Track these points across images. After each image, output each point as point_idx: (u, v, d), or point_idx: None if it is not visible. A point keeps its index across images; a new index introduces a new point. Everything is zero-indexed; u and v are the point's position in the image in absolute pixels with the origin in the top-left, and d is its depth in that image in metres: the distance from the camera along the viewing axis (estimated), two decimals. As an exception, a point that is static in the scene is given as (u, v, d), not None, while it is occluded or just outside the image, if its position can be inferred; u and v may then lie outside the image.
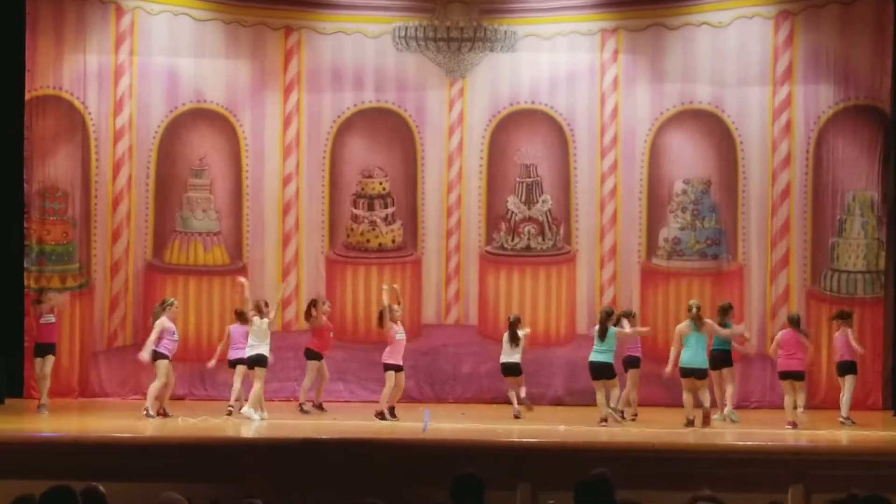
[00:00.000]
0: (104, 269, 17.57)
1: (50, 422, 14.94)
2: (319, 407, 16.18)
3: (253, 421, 14.83)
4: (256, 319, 15.39)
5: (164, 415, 15.17)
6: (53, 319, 16.14)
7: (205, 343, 17.23)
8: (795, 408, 14.96)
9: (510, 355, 15.97)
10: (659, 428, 14.64)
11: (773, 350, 15.44)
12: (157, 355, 15.22)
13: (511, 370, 15.98)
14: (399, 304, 15.78)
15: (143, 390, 17.07)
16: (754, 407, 17.03)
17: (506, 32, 17.85)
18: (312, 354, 16.15)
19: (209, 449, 12.75)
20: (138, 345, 17.17)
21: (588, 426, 14.92)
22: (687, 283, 17.53)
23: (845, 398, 15.42)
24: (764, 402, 16.80)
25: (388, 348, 15.58)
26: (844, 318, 15.72)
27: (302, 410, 15.87)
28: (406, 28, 17.87)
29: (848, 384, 15.49)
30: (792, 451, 12.97)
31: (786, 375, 15.10)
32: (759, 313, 17.43)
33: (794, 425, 14.67)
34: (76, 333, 17.17)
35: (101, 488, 6.79)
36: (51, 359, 16.01)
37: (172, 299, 15.80)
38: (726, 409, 15.62)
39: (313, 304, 16.35)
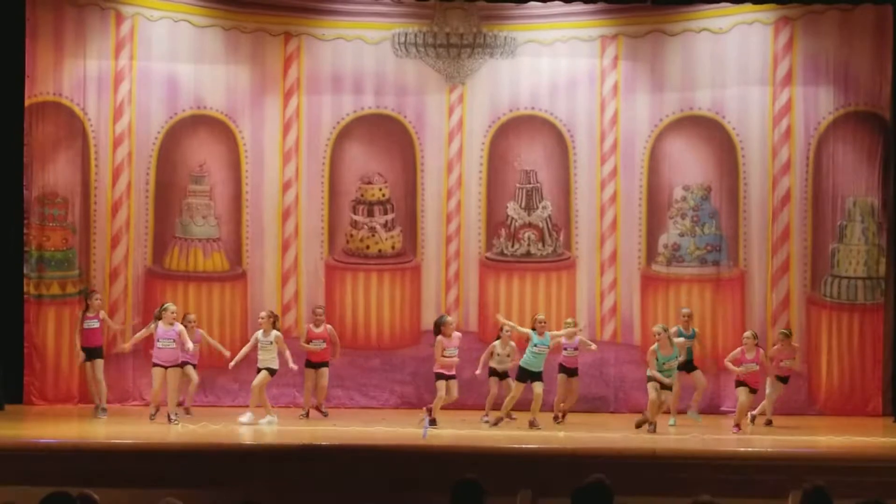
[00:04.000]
0: (104, 276, 17.54)
1: (50, 428, 14.93)
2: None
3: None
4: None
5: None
6: (97, 325, 16.19)
7: (204, 349, 17.17)
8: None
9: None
10: (658, 434, 14.65)
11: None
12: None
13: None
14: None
15: (143, 397, 17.11)
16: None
17: (505, 38, 17.84)
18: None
19: (209, 455, 12.75)
20: (138, 351, 17.18)
21: (588, 432, 14.94)
22: (687, 290, 17.52)
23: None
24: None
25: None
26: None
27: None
28: (406, 34, 17.87)
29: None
30: (791, 457, 12.99)
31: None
32: (760, 320, 17.41)
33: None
34: (76, 339, 17.10)
35: (95, 496, 6.78)
36: (100, 363, 16.15)
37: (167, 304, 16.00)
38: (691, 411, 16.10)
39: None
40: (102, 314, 16.38)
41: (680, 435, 14.60)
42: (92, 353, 16.18)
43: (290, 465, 12.35)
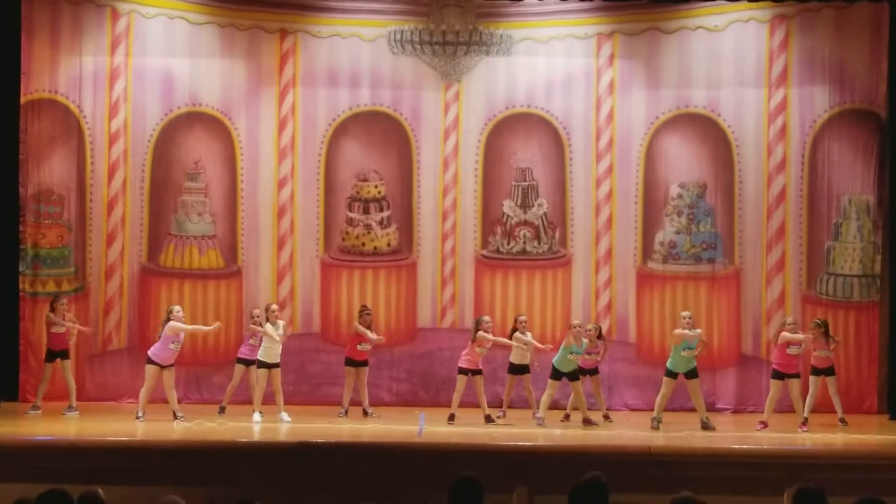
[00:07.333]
0: (99, 273, 17.54)
1: (46, 425, 14.93)
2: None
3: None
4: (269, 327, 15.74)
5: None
6: (63, 330, 16.18)
7: (200, 346, 17.22)
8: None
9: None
10: (655, 431, 14.67)
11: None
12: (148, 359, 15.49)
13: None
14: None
15: (138, 395, 17.07)
16: (751, 411, 17.02)
17: (501, 36, 17.83)
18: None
19: (205, 452, 12.75)
20: (133, 348, 17.23)
21: (583, 429, 14.94)
22: (683, 288, 17.53)
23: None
24: (760, 406, 16.73)
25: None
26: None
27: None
28: (402, 31, 17.85)
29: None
30: (788, 454, 13.01)
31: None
32: (755, 317, 17.43)
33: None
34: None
35: (100, 491, 6.78)
36: (65, 364, 16.20)
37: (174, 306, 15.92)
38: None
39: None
40: (68, 317, 16.36)
41: (675, 432, 14.60)
42: (54, 354, 16.23)
43: (286, 463, 12.34)
